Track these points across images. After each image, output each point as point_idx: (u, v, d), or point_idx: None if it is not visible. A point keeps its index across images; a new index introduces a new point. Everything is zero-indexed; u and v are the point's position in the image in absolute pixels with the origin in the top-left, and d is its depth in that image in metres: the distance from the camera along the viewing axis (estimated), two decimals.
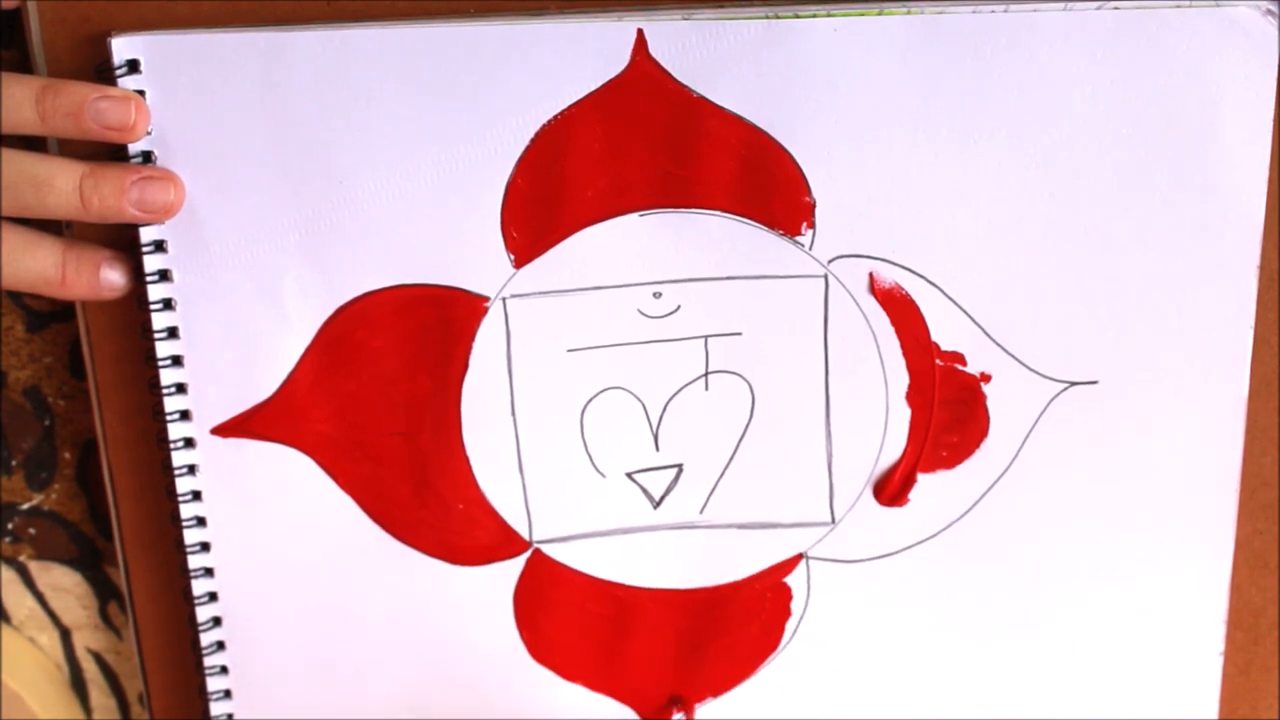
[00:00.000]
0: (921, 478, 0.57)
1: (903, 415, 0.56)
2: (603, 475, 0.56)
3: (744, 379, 0.55)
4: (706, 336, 0.55)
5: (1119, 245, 0.54)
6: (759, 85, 0.51)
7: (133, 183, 0.50)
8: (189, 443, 0.54)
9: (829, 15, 0.51)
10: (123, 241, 0.52)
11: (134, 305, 0.53)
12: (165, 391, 0.53)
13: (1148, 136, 0.53)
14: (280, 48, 0.50)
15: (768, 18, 0.51)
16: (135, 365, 0.54)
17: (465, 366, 0.54)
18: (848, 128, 0.52)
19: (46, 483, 0.57)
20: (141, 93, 0.50)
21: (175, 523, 0.55)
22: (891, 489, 0.57)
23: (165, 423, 0.53)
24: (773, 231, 0.54)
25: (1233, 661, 0.61)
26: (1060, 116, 0.53)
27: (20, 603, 0.59)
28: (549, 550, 0.57)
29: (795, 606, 0.58)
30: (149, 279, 0.52)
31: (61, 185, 0.49)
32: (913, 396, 0.56)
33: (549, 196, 0.53)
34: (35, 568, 0.57)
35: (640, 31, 0.51)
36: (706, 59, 0.51)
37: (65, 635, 0.60)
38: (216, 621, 0.56)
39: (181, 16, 0.50)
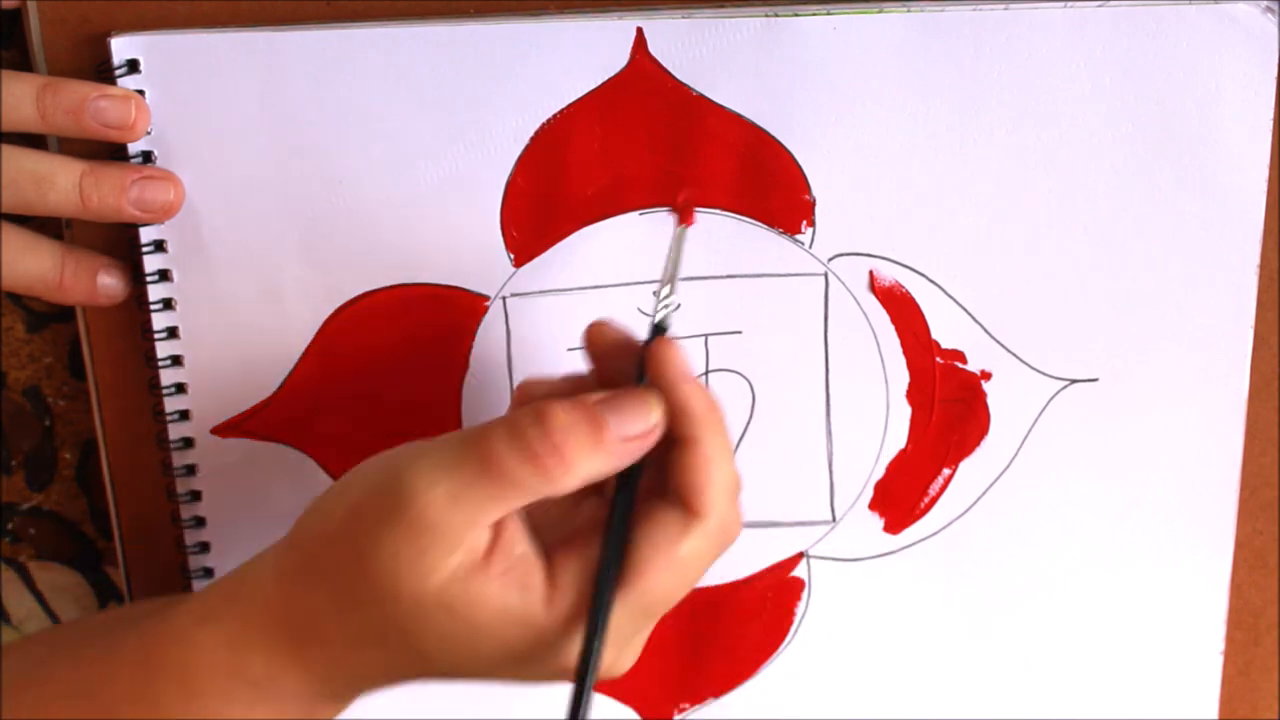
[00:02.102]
0: None
1: (903, 413, 0.56)
2: None
3: (744, 377, 0.55)
4: (706, 335, 0.55)
5: (1119, 243, 0.54)
6: (759, 83, 0.52)
7: (133, 181, 0.50)
8: (189, 443, 0.54)
9: (829, 14, 0.51)
10: (123, 241, 0.52)
11: (134, 305, 0.53)
12: (165, 391, 0.53)
13: (1147, 134, 0.53)
14: (280, 48, 0.50)
15: (767, 16, 0.51)
16: (135, 365, 0.54)
17: (465, 366, 0.54)
18: (847, 126, 0.52)
19: (46, 483, 0.57)
20: (141, 93, 0.50)
21: (175, 523, 0.55)
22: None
23: (165, 423, 0.53)
24: (772, 230, 0.54)
25: (1233, 661, 0.61)
26: (1059, 114, 0.53)
27: (20, 603, 0.59)
28: None
29: (797, 606, 0.58)
30: (149, 279, 0.52)
31: (62, 182, 0.49)
32: (913, 395, 0.56)
33: (549, 195, 0.53)
34: (35, 568, 0.57)
35: (640, 30, 0.51)
36: (706, 57, 0.51)
37: None
38: None
39: (181, 16, 0.50)
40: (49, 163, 0.49)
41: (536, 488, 0.42)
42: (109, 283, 0.52)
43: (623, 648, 0.45)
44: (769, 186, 0.53)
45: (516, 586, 0.43)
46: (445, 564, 0.42)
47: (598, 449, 0.43)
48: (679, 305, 0.49)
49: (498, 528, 0.43)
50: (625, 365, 0.47)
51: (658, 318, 0.48)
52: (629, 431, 0.44)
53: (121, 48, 0.50)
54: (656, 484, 0.45)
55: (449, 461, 0.43)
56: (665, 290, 0.49)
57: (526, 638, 0.43)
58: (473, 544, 0.42)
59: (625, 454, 0.44)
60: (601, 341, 0.48)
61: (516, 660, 0.44)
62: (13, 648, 0.52)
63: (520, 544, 0.43)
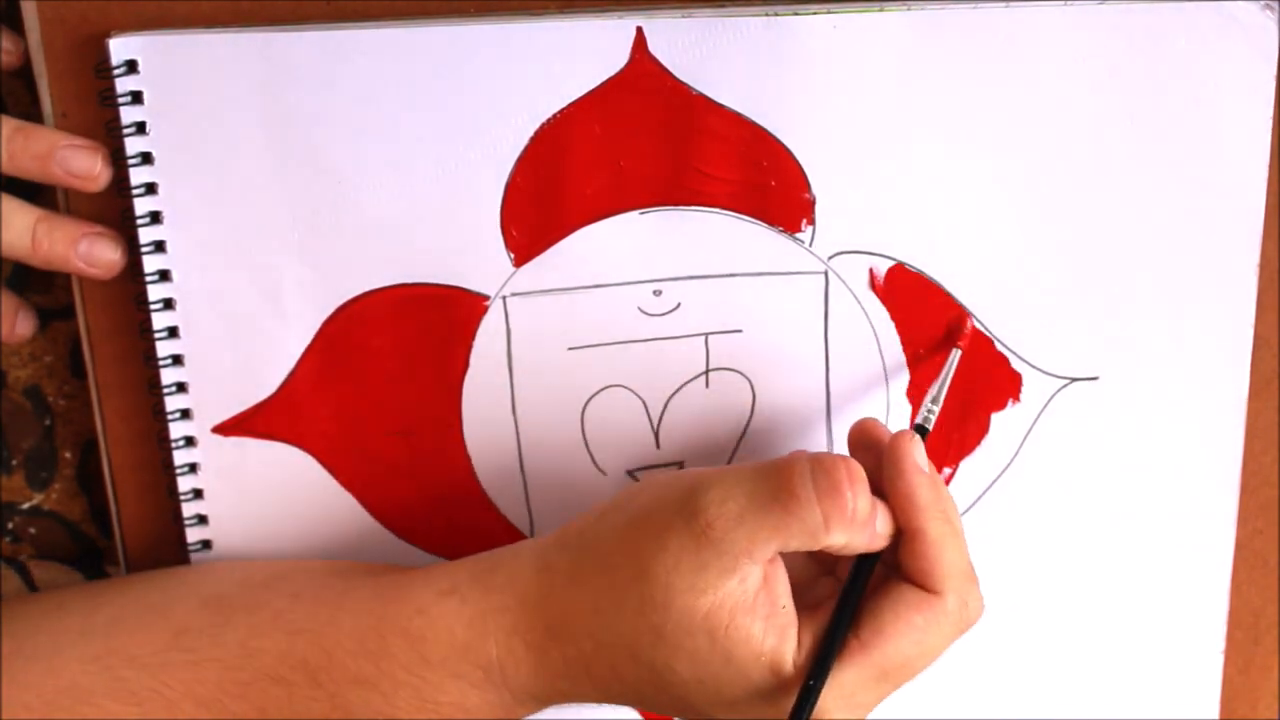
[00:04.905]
0: None
1: (903, 412, 0.56)
2: (604, 473, 0.56)
3: (744, 376, 0.55)
4: (707, 334, 0.55)
5: (1119, 241, 0.54)
6: (758, 82, 0.52)
7: (84, 235, 0.51)
8: (190, 441, 0.54)
9: (829, 12, 0.51)
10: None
11: (134, 305, 0.53)
12: (166, 391, 0.53)
13: (1147, 132, 0.53)
14: (279, 48, 0.50)
15: (767, 15, 0.51)
16: (135, 365, 0.54)
17: (465, 365, 0.54)
18: (847, 124, 0.52)
19: (47, 482, 0.56)
20: (140, 93, 0.50)
21: (177, 521, 0.55)
22: None
23: (166, 422, 0.53)
24: (772, 228, 0.54)
25: (1233, 661, 0.61)
26: (1059, 113, 0.53)
27: None
28: None
29: None
30: (149, 279, 0.52)
31: (17, 224, 0.50)
32: (913, 393, 0.56)
33: (549, 195, 0.53)
34: (35, 567, 0.57)
35: (640, 29, 0.51)
36: (706, 56, 0.51)
37: None
38: None
39: (180, 16, 0.50)
40: (8, 204, 0.50)
41: (815, 530, 0.46)
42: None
43: (862, 709, 0.48)
44: (769, 185, 0.53)
45: (776, 633, 0.46)
46: (720, 585, 0.45)
47: (873, 517, 0.47)
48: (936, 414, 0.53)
49: (768, 576, 0.46)
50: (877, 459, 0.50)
51: (921, 420, 0.52)
52: (881, 525, 0.48)
53: (120, 48, 0.50)
54: (897, 568, 0.48)
55: (745, 485, 0.46)
56: (933, 403, 0.53)
57: (770, 682, 0.46)
58: (745, 574, 0.45)
59: (877, 539, 0.47)
60: (862, 436, 0.51)
61: (751, 703, 0.47)
62: (196, 570, 0.54)
63: (785, 597, 0.47)
